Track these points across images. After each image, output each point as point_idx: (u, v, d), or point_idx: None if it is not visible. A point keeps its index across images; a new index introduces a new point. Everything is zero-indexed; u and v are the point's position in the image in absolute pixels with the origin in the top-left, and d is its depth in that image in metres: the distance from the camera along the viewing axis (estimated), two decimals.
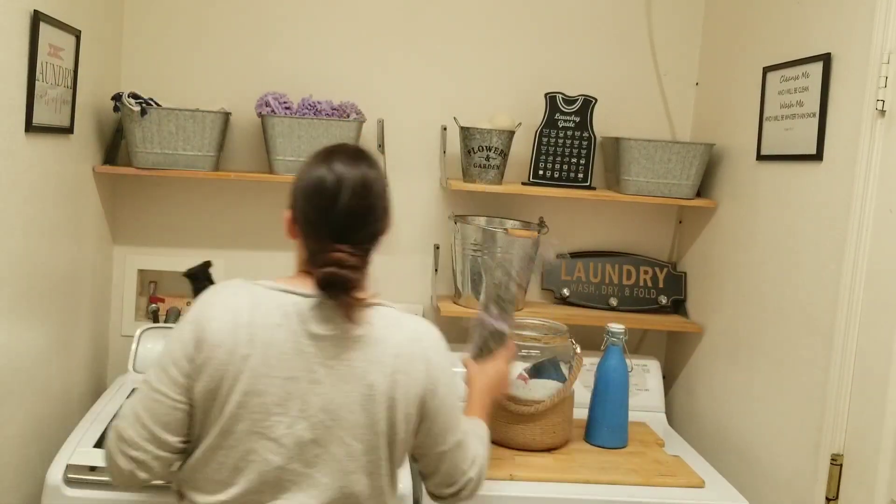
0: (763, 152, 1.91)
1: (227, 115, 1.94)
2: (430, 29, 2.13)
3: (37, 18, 1.49)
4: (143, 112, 1.84)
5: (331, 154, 1.23)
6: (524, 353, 1.82)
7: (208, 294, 1.22)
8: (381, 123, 2.08)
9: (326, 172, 1.19)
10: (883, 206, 1.50)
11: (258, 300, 1.19)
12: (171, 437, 1.18)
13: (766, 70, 1.85)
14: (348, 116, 2.00)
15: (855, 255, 1.53)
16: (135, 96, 1.86)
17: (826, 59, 1.68)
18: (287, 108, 1.98)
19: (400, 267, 2.19)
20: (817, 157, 1.69)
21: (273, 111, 1.96)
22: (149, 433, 1.17)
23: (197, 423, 1.18)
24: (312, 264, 1.19)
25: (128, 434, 1.17)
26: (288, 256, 2.10)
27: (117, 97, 1.86)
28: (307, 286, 1.20)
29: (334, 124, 1.95)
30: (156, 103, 1.89)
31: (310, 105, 1.99)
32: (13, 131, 1.46)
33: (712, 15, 2.20)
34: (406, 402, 1.21)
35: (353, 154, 1.23)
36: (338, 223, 1.18)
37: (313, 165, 1.22)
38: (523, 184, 2.11)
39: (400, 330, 1.23)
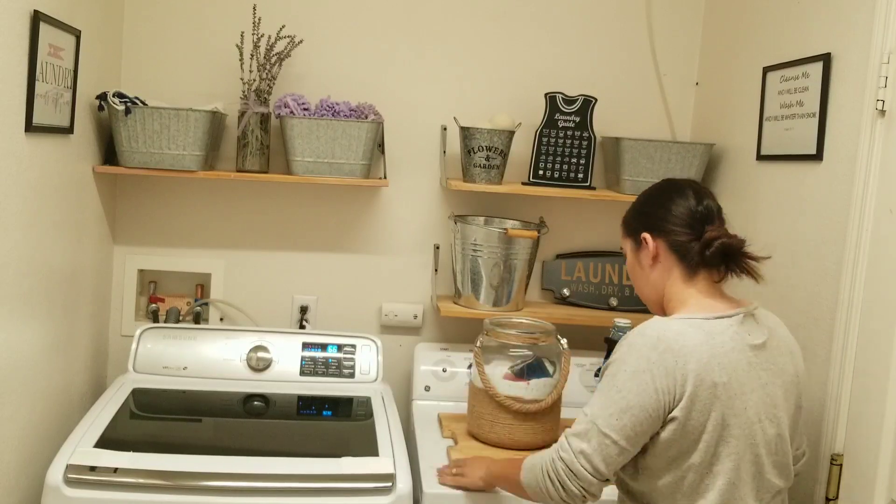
0: (763, 152, 1.91)
1: (214, 113, 1.93)
2: (430, 29, 2.13)
3: (37, 18, 1.49)
4: (128, 111, 1.84)
5: (670, 184, 1.45)
6: (512, 352, 1.82)
7: (660, 336, 1.28)
8: (380, 124, 2.08)
9: (684, 196, 1.40)
10: (883, 206, 1.50)
11: (708, 331, 1.30)
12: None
13: (766, 70, 1.86)
14: (366, 117, 1.99)
15: (855, 255, 1.53)
16: (120, 95, 1.86)
17: (826, 59, 1.68)
18: (305, 110, 1.97)
19: (400, 267, 2.19)
20: (817, 157, 1.69)
21: (292, 112, 1.95)
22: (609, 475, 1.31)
23: (664, 448, 1.29)
24: (693, 257, 1.36)
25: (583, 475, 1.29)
26: (289, 256, 2.11)
27: (102, 97, 1.86)
28: (720, 308, 1.35)
29: (352, 125, 1.95)
30: (142, 102, 1.88)
31: (328, 106, 1.99)
32: (13, 131, 1.46)
33: (712, 15, 2.20)
34: (800, 389, 1.38)
35: (686, 181, 1.46)
36: (702, 215, 1.37)
37: (667, 195, 1.42)
38: (523, 184, 2.11)
39: (778, 323, 1.42)
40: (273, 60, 1.97)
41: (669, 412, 1.26)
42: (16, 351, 1.54)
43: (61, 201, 1.72)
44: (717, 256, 1.34)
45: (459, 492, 1.60)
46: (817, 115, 1.70)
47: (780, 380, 1.34)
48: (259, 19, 1.98)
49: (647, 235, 1.42)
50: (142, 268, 2.11)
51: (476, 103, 2.15)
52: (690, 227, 1.37)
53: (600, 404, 1.29)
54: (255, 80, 2.00)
